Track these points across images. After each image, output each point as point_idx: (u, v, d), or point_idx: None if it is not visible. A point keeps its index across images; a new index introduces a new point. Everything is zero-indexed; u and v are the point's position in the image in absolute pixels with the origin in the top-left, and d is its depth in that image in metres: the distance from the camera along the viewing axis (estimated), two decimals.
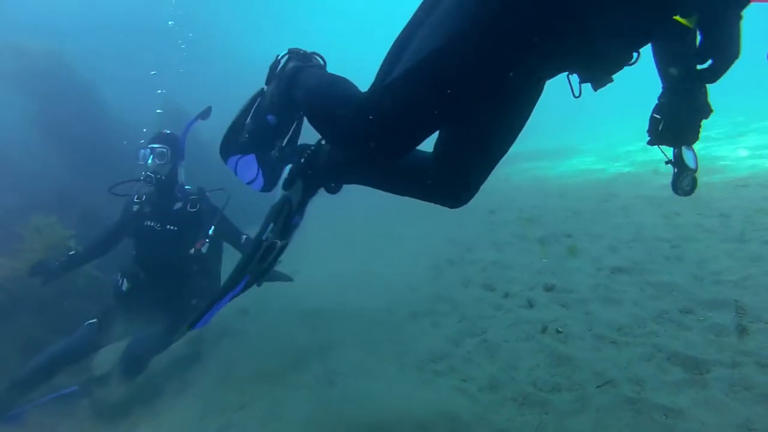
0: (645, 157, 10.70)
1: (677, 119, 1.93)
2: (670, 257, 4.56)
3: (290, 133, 2.70)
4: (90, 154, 8.78)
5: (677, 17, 1.61)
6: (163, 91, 11.94)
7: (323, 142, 2.49)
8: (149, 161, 4.45)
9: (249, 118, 2.66)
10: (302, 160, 2.46)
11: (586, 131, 19.24)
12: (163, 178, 4.49)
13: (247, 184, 2.81)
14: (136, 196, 4.63)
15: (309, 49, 2.67)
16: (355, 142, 1.99)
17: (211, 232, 4.49)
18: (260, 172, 2.77)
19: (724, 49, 1.64)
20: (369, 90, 1.98)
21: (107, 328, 4.31)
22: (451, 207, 2.23)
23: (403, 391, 3.39)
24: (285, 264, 5.08)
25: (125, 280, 4.37)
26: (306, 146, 2.52)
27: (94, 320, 4.31)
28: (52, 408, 3.88)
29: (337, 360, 3.97)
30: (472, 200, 2.20)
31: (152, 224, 4.52)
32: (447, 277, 5.22)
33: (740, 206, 5.54)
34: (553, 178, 10.76)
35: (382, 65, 1.99)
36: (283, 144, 2.69)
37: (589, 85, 1.90)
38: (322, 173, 2.45)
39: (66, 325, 5.05)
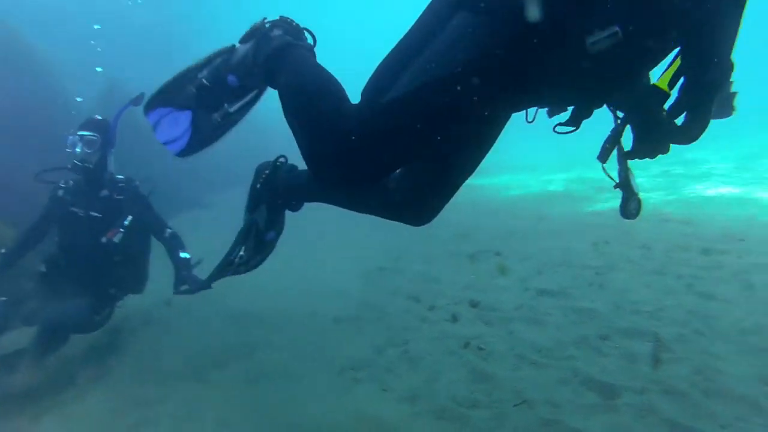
0: (580, 185, 11.06)
1: (651, 133, 1.93)
2: (593, 284, 4.71)
3: (244, 101, 2.46)
4: (19, 121, 8.31)
5: (658, 83, 1.65)
6: (101, 50, 11.39)
7: (280, 160, 2.38)
8: (77, 149, 4.25)
9: (205, 71, 2.36)
10: (259, 186, 2.37)
11: (527, 149, 19.71)
12: (91, 167, 4.28)
13: (165, 143, 2.53)
14: (62, 182, 4.42)
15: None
16: (328, 160, 1.83)
17: (127, 222, 4.35)
18: (189, 133, 2.51)
19: (704, 116, 1.66)
20: (357, 106, 1.83)
21: (18, 307, 4.14)
22: (414, 225, 2.18)
23: (323, 396, 3.36)
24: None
25: (44, 264, 4.22)
26: (263, 167, 2.42)
27: (4, 298, 4.10)
28: None
29: (260, 360, 3.92)
30: None
31: (76, 210, 4.33)
32: (376, 285, 5.22)
33: (662, 240, 5.79)
34: (490, 196, 10.97)
35: (375, 80, 1.85)
36: (232, 110, 2.46)
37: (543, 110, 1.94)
38: (282, 195, 2.36)
39: None
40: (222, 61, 2.34)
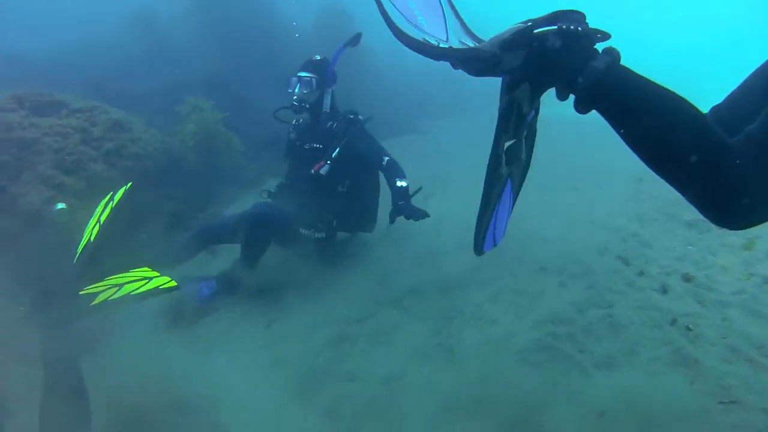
0: None
1: None
2: None
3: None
4: (246, 42, 8.82)
5: None
6: None
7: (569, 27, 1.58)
8: (296, 89, 4.50)
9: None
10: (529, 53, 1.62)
11: None
12: (308, 106, 4.55)
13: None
14: (294, 120, 4.75)
15: None
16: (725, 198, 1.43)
17: (334, 154, 4.46)
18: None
19: None
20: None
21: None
22: (710, 219, 1.55)
23: (516, 345, 3.33)
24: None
25: (276, 186, 4.69)
26: (529, 35, 1.59)
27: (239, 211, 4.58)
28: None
29: (457, 297, 3.96)
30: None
31: (300, 143, 4.67)
32: (584, 238, 4.92)
33: None
34: None
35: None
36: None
37: None
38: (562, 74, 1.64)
39: (205, 202, 5.33)
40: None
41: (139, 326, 3.50)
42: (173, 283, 3.50)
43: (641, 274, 4.17)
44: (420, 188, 4.55)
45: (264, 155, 6.45)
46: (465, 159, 8.14)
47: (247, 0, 9.55)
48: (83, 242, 3.25)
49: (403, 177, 4.52)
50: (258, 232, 4.25)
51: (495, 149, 1.83)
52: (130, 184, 3.49)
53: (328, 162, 4.44)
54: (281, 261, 4.59)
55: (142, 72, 7.45)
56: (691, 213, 5.30)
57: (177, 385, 2.97)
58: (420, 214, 4.27)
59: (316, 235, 4.52)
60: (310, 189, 4.51)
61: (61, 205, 3.84)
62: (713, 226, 1.40)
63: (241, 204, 5.83)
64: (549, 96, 1.75)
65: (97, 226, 3.29)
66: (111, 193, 3.44)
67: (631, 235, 4.96)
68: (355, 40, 4.65)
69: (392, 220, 4.32)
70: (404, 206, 4.31)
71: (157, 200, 5.11)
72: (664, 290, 3.91)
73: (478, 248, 1.93)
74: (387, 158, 4.60)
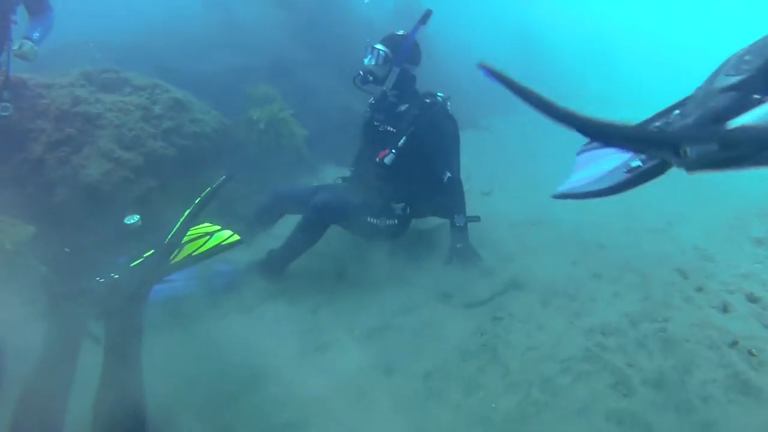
0: None
1: None
2: None
3: None
4: (317, 30, 8.60)
5: None
6: None
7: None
8: (366, 60, 4.18)
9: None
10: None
11: None
12: (371, 78, 4.18)
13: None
14: (373, 98, 4.35)
15: None
16: None
17: (400, 143, 4.04)
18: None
19: None
20: None
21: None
22: None
23: (563, 352, 3.12)
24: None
25: (349, 169, 4.41)
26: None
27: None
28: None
29: (507, 297, 3.76)
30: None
31: (377, 123, 4.28)
32: (643, 247, 4.59)
33: None
34: None
35: None
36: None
37: None
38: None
39: (263, 187, 5.23)
40: None
41: (182, 311, 3.47)
42: (236, 237, 3.25)
43: (700, 289, 3.82)
44: (478, 218, 4.24)
45: (327, 142, 6.35)
46: (527, 156, 7.83)
47: None
48: (174, 229, 3.08)
49: (461, 209, 4.14)
50: (316, 225, 4.00)
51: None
52: (224, 177, 3.25)
53: (393, 151, 4.04)
54: (338, 246, 4.46)
55: (210, 53, 7.46)
56: (761, 228, 4.90)
57: (224, 366, 2.93)
58: (474, 263, 4.09)
59: (387, 222, 4.18)
60: (378, 176, 4.16)
61: (135, 218, 3.78)
62: None
63: None
64: None
65: (185, 217, 3.13)
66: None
67: (693, 247, 4.57)
68: (426, 17, 4.23)
69: (449, 262, 4.11)
70: (461, 250, 4.06)
71: (214, 181, 5.07)
72: (725, 309, 3.55)
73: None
74: (448, 175, 4.17)
